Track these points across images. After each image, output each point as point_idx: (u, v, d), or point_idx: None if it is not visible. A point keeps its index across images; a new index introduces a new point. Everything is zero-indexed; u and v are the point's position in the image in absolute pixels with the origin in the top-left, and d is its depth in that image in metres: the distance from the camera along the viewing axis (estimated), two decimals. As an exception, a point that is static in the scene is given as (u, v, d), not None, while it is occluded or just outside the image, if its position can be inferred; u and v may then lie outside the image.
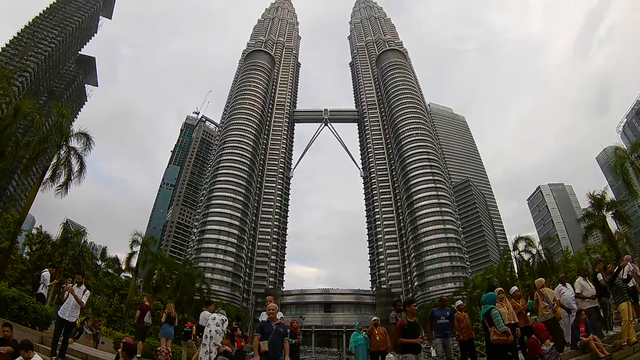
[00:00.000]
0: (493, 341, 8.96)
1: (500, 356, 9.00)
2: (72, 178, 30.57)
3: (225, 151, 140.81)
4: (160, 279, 54.70)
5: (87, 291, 13.46)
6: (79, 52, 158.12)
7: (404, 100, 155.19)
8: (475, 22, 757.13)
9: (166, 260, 59.64)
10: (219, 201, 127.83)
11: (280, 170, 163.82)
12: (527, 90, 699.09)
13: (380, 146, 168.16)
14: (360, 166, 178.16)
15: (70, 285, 13.61)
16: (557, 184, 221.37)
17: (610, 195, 42.68)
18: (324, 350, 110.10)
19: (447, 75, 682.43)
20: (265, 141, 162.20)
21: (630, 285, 12.77)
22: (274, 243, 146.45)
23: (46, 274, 18.06)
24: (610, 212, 40.17)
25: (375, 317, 14.94)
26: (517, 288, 13.25)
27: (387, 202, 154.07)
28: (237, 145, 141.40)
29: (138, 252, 50.27)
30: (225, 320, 12.19)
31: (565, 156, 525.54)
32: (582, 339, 10.87)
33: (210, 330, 11.91)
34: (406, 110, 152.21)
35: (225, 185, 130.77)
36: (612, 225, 42.44)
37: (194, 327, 17.70)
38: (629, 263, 13.80)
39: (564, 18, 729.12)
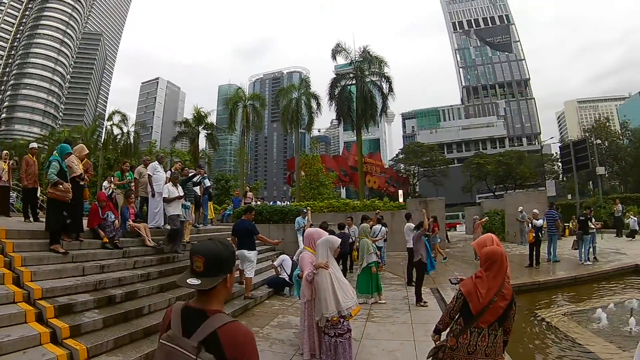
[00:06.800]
0: (48, 194, 7.97)
1: (55, 210, 8.14)
2: None
3: None
4: None
5: None
6: None
7: None
8: None
9: None
10: None
11: None
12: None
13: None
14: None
15: None
16: (175, 85, 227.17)
17: (213, 119, 47.08)
18: None
19: None
20: None
21: (197, 194, 14.28)
22: None
23: None
24: (206, 131, 44.16)
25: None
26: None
27: (13, 13, 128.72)
28: None
29: None
30: None
31: (196, 68, 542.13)
32: (132, 224, 10.81)
33: None
34: None
35: None
36: (202, 144, 46.90)
37: None
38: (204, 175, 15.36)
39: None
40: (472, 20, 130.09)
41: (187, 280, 1.99)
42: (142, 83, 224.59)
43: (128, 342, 6.16)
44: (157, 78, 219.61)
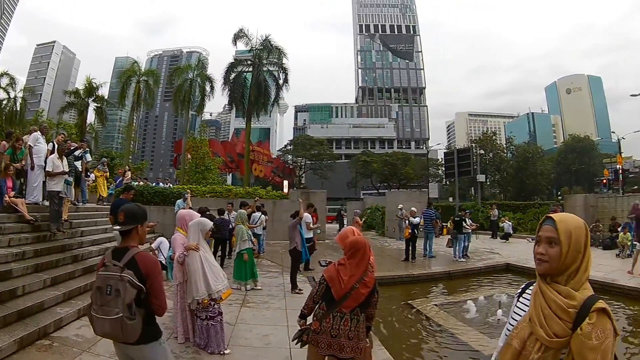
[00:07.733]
0: None
1: None
2: None
3: None
4: None
5: None
6: None
7: None
8: None
9: None
10: None
11: None
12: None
13: None
14: None
15: None
16: (71, 52, 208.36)
17: (105, 92, 45.37)
18: None
19: None
20: None
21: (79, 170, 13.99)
22: None
23: None
24: (95, 104, 42.52)
25: None
26: None
27: None
28: None
29: None
30: None
31: (97, 36, 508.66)
32: (9, 199, 9.97)
33: None
34: None
35: None
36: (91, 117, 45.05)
37: None
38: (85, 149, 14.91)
39: None
40: (379, 26, 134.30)
41: (113, 227, 3.42)
42: (37, 45, 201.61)
43: (2, 325, 5.77)
44: (54, 41, 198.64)
